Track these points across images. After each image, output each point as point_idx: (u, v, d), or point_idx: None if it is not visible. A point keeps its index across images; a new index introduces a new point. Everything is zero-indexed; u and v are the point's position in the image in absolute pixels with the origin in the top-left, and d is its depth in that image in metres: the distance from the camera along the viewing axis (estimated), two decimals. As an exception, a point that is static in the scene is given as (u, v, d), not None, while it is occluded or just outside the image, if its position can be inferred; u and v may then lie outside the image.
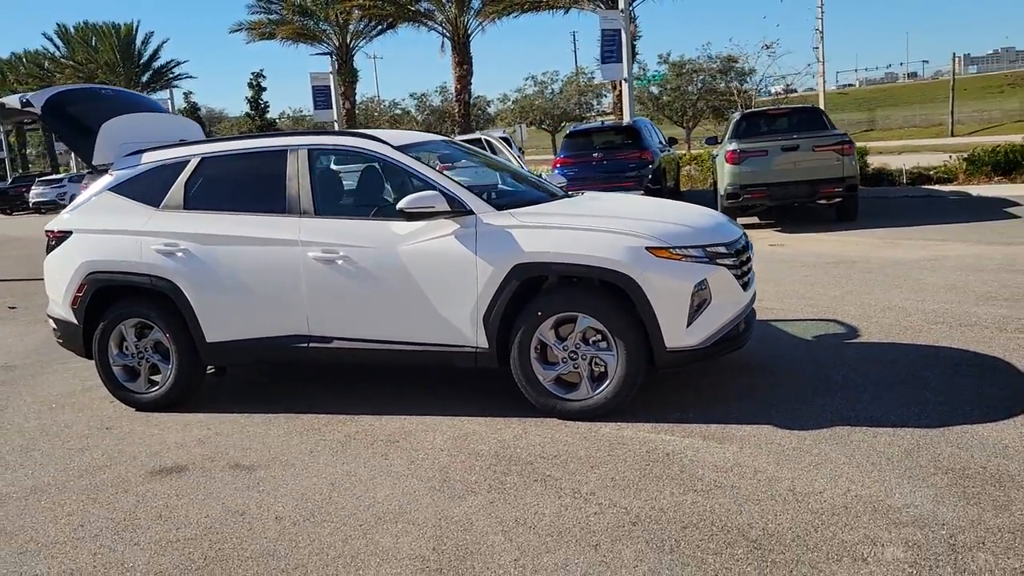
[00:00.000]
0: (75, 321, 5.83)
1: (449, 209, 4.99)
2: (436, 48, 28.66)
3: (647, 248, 4.76)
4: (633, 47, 19.48)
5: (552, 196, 5.79)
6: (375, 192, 5.70)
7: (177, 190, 5.70)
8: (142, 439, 5.21)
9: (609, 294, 4.86)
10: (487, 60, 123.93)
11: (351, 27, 31.51)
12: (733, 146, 13.00)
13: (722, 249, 4.94)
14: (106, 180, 5.96)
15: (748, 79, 63.91)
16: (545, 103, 74.89)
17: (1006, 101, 59.40)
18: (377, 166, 5.64)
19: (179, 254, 5.52)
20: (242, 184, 5.70)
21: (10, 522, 4.11)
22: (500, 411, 5.15)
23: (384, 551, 3.52)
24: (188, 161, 5.74)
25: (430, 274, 5.06)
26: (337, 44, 31.81)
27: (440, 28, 27.81)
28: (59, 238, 5.96)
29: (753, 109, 16.65)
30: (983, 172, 16.75)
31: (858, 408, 4.78)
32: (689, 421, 4.77)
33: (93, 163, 6.04)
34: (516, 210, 5.16)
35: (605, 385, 4.87)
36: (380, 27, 30.89)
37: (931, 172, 17.61)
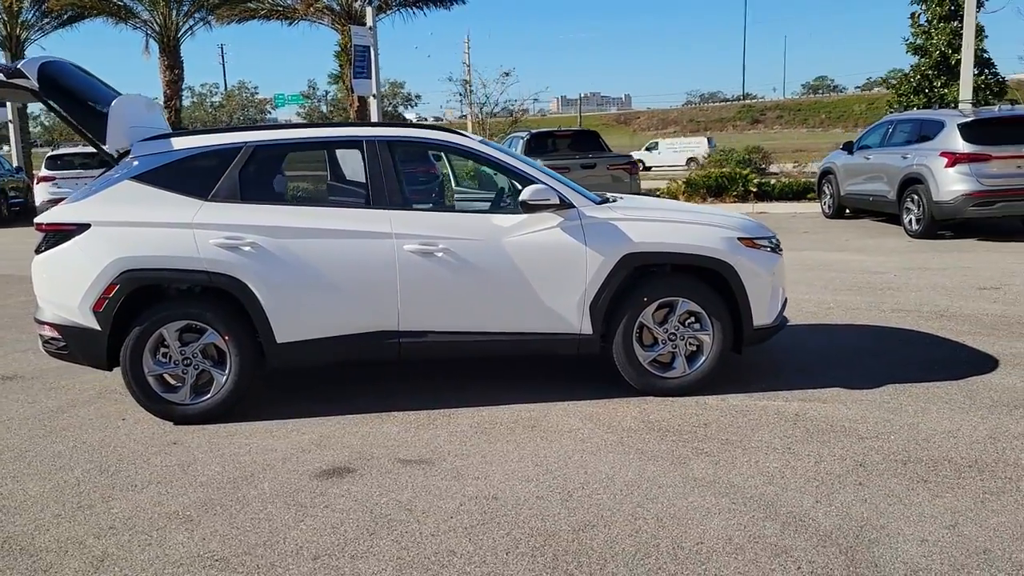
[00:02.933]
0: (96, 327, 5.07)
1: (560, 203, 5.25)
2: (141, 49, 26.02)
3: (738, 239, 5.43)
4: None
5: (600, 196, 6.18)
6: (464, 185, 5.70)
7: (229, 180, 5.23)
8: (243, 449, 4.75)
9: (705, 279, 5.43)
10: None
11: (21, 17, 27.90)
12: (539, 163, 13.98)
13: (776, 241, 5.76)
14: (125, 167, 5.28)
15: (415, 103, 66.16)
16: (205, 115, 71.47)
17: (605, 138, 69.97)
18: (460, 160, 5.66)
19: (246, 248, 5.09)
20: (308, 175, 5.39)
21: (243, 535, 3.67)
22: (593, 395, 5.48)
23: (695, 507, 3.79)
24: (238, 149, 5.29)
25: (538, 265, 5.25)
26: (5, 34, 27.94)
27: (144, 27, 25.73)
28: (65, 232, 5.14)
29: (540, 130, 17.91)
30: (699, 193, 19.51)
31: (878, 372, 5.81)
32: (768, 390, 5.49)
33: (108, 147, 5.31)
34: (611, 204, 5.55)
35: (701, 362, 5.43)
36: (60, 20, 27.72)
37: (657, 192, 20.12)
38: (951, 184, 12.18)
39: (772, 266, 5.54)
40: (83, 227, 5.11)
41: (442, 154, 7.11)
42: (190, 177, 5.28)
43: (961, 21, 18.14)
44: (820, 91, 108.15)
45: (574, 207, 5.32)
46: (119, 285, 5.03)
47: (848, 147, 15.44)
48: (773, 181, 20.28)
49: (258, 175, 5.34)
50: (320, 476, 4.33)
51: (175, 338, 5.16)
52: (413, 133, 5.58)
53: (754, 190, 19.11)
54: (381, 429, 5.01)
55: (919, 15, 19.89)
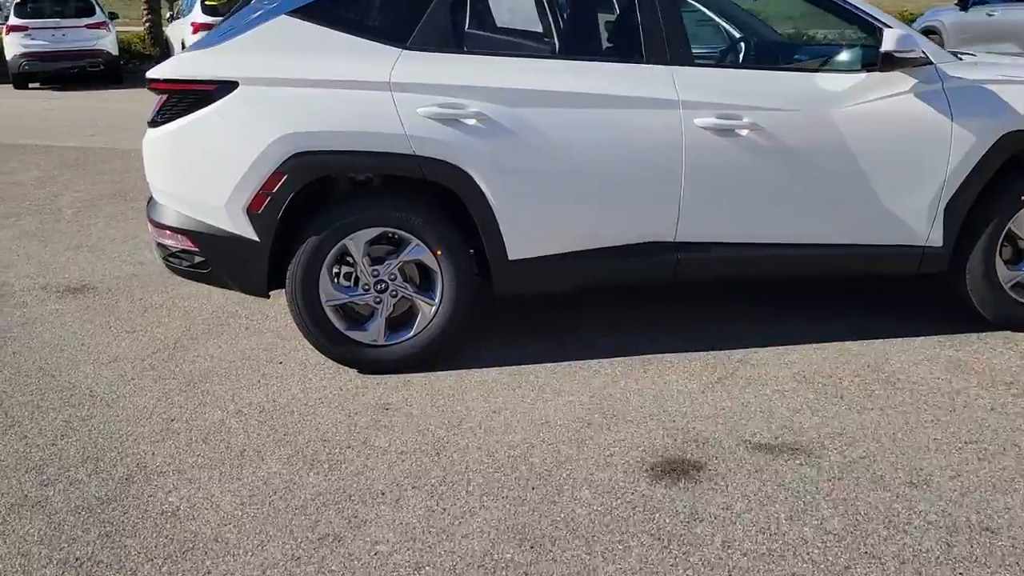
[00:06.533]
0: (252, 236, 3.43)
1: (920, 55, 3.60)
2: None
3: None
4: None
5: None
6: (761, 30, 4.01)
7: (437, 18, 3.49)
8: (496, 420, 3.21)
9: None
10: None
11: None
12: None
13: None
14: (278, -4, 3.53)
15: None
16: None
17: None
18: None
19: (469, 122, 3.41)
20: (548, 12, 3.68)
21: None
22: (922, 329, 3.99)
23: None
24: (442, -28, 3.52)
25: (881, 148, 3.65)
26: None
27: None
28: (201, 93, 3.43)
29: None
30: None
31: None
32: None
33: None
34: (972, 61, 3.91)
35: (1080, 287, 3.93)
36: None
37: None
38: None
39: None
40: (229, 85, 3.38)
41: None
42: (378, 12, 3.56)
43: None
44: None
45: (932, 63, 3.67)
46: (287, 175, 3.36)
47: (962, 3, 13.56)
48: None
49: (477, 12, 3.62)
50: (659, 475, 2.83)
51: (363, 253, 3.53)
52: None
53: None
54: (666, 384, 3.48)
55: None
